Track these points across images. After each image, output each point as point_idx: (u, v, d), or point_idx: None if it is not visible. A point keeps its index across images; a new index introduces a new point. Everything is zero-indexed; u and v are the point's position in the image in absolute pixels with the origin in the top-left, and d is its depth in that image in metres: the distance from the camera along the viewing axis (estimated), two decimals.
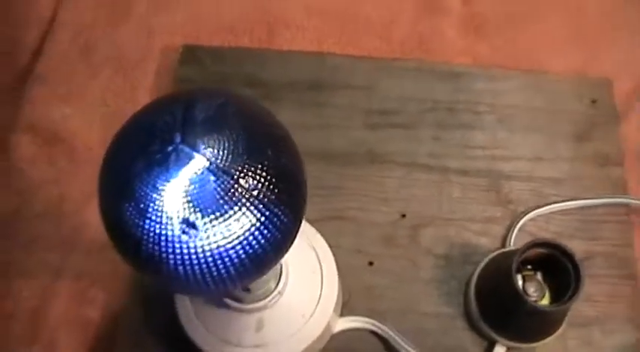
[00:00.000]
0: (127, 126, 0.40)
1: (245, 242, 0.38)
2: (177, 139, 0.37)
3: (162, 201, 0.36)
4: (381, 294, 0.65)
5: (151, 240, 0.37)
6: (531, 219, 0.68)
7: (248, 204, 0.37)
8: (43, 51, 0.80)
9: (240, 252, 0.38)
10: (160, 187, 0.36)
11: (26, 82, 0.78)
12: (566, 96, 0.74)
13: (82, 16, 0.82)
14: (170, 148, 0.37)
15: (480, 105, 0.73)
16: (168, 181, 0.36)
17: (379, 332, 0.62)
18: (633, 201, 0.69)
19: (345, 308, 0.64)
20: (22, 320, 0.67)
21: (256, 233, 0.38)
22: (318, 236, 0.62)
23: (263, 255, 0.39)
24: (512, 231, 0.67)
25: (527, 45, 0.79)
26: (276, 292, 0.56)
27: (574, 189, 0.70)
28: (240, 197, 0.37)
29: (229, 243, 0.37)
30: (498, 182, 0.70)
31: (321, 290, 0.59)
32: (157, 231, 0.37)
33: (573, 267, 0.57)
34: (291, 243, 0.42)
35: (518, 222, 0.67)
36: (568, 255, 0.57)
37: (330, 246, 0.61)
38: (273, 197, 0.38)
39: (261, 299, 0.55)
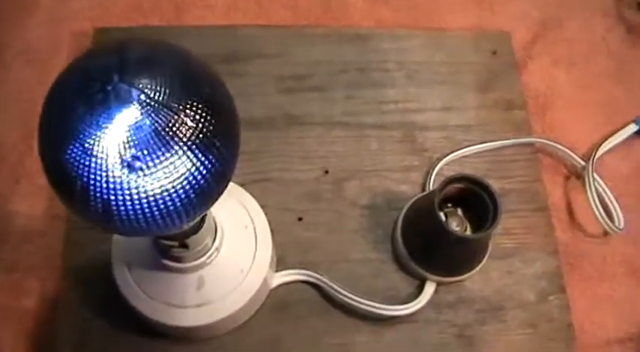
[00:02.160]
0: (65, 73, 0.41)
1: (190, 176, 0.39)
2: (116, 78, 0.38)
3: (106, 139, 0.37)
4: (312, 247, 0.67)
5: (98, 178, 0.38)
6: (446, 164, 0.71)
7: (191, 137, 0.39)
8: None
9: (186, 185, 0.39)
10: (104, 126, 0.37)
11: None
12: (467, 50, 0.79)
13: None
14: (109, 87, 0.38)
15: (388, 63, 0.77)
16: (111, 119, 0.37)
17: (314, 281, 0.65)
18: (538, 140, 0.74)
19: (280, 263, 0.66)
20: None
21: (200, 166, 0.39)
22: (247, 194, 0.64)
23: (207, 187, 0.40)
24: (430, 176, 0.70)
25: (426, 6, 0.83)
26: (213, 248, 0.57)
27: (483, 133, 0.74)
28: (182, 131, 0.38)
29: (174, 177, 0.39)
30: (413, 133, 0.73)
31: (255, 245, 0.61)
32: (104, 169, 0.38)
33: (490, 197, 0.61)
34: (231, 174, 0.44)
35: (434, 168, 0.70)
36: (483, 186, 0.61)
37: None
38: (212, 129, 0.40)
39: (199, 257, 0.56)
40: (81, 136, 0.38)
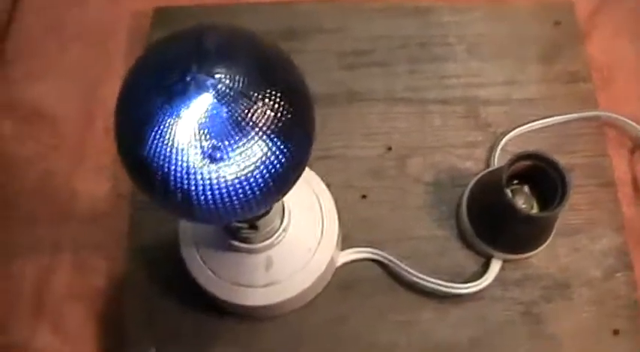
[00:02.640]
0: (140, 63, 0.41)
1: (268, 163, 0.39)
2: (194, 68, 0.38)
3: (186, 130, 0.37)
4: (377, 225, 0.67)
5: (178, 169, 0.38)
6: (510, 140, 0.70)
7: (270, 125, 0.38)
8: (9, 33, 0.80)
9: (265, 173, 0.39)
10: (183, 116, 0.37)
11: None
12: (529, 22, 0.77)
13: None
14: (188, 78, 0.37)
15: (449, 37, 0.76)
16: (191, 110, 0.37)
17: (380, 259, 0.65)
18: (603, 114, 0.72)
19: (345, 241, 0.66)
20: (27, 297, 0.67)
21: (279, 154, 0.39)
22: (312, 173, 0.64)
23: (284, 174, 0.40)
24: (495, 152, 0.69)
25: None
26: (281, 229, 0.57)
27: (547, 107, 0.72)
28: (260, 120, 0.38)
29: (253, 166, 0.39)
30: (476, 108, 0.72)
31: (322, 224, 0.61)
32: (185, 159, 0.38)
33: (558, 175, 0.60)
34: (307, 160, 0.43)
35: (498, 144, 0.70)
36: (552, 164, 0.60)
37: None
38: (290, 116, 0.39)
39: (268, 238, 0.57)
40: (161, 127, 0.38)
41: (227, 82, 0.38)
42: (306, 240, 0.60)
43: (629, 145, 0.73)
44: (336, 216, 0.62)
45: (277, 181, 0.41)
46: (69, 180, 0.71)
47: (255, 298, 0.59)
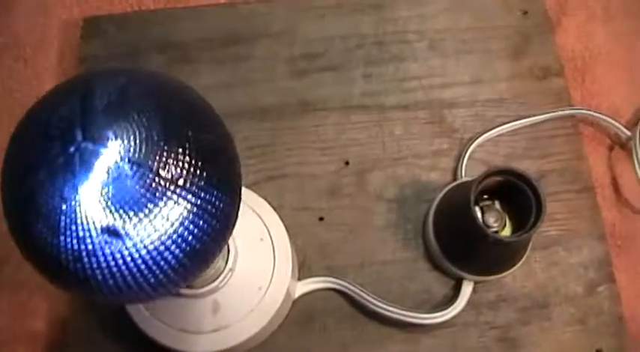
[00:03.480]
0: (21, 127, 0.35)
1: (178, 238, 0.33)
2: (79, 136, 0.32)
3: (74, 211, 0.31)
4: (336, 249, 0.62)
5: (71, 257, 0.32)
6: (479, 146, 0.65)
7: (175, 196, 0.33)
8: None
9: (175, 249, 0.33)
10: (69, 196, 0.31)
11: None
12: (495, 12, 0.71)
13: None
14: (72, 148, 0.31)
15: (408, 34, 0.69)
16: (78, 188, 0.31)
17: (342, 288, 0.59)
18: (579, 111, 0.66)
19: (302, 270, 0.60)
20: None
21: (190, 226, 0.33)
22: (260, 199, 0.58)
23: (202, 247, 0.35)
24: (462, 161, 0.64)
25: None
26: (227, 270, 0.52)
27: (518, 107, 0.67)
28: (165, 190, 0.32)
29: (161, 242, 0.33)
30: (440, 112, 0.66)
31: (274, 258, 0.56)
32: (76, 247, 0.32)
33: (532, 192, 0.54)
34: (233, 227, 0.38)
35: (466, 151, 0.64)
36: (526, 180, 0.54)
37: (275, 208, 0.58)
38: (202, 182, 0.34)
39: (213, 281, 0.52)
40: (44, 211, 0.32)
41: (120, 149, 0.32)
42: (255, 278, 0.55)
43: (607, 143, 0.68)
44: (289, 248, 0.56)
45: (193, 256, 0.35)
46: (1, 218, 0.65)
47: (204, 344, 0.54)
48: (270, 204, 0.58)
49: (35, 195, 0.32)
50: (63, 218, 0.31)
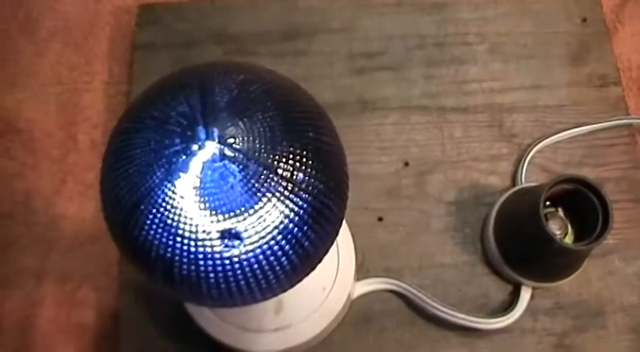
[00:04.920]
0: (129, 124, 0.34)
1: (294, 240, 0.33)
2: (202, 134, 0.31)
3: (194, 213, 0.31)
4: (394, 251, 0.61)
5: (186, 260, 0.31)
6: (538, 151, 0.64)
7: (297, 198, 0.32)
8: None
9: (290, 252, 0.33)
10: (191, 197, 0.30)
11: None
12: (555, 17, 0.70)
13: None
14: (195, 147, 0.31)
15: (469, 36, 0.69)
16: (199, 187, 0.30)
17: (400, 290, 0.59)
18: (636, 121, 0.66)
19: (360, 270, 0.60)
20: (9, 334, 0.60)
21: (307, 229, 0.33)
22: None
23: (314, 251, 0.34)
24: (522, 167, 0.63)
25: None
26: None
27: (576, 114, 0.66)
28: (287, 192, 0.32)
29: (279, 246, 0.32)
30: (500, 116, 0.66)
31: (338, 258, 0.55)
32: (193, 250, 0.31)
33: (600, 201, 0.54)
34: (337, 233, 0.37)
35: (526, 157, 0.63)
36: (595, 190, 0.54)
37: None
38: (322, 185, 0.33)
39: None
40: (162, 212, 0.31)
41: (245, 149, 0.31)
42: (320, 278, 0.54)
43: None
44: (353, 249, 0.56)
45: (305, 258, 0.35)
46: (50, 202, 0.64)
47: (264, 343, 0.53)
48: None
49: (154, 194, 0.31)
50: (182, 219, 0.31)
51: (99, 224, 0.62)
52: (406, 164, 0.64)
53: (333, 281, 0.54)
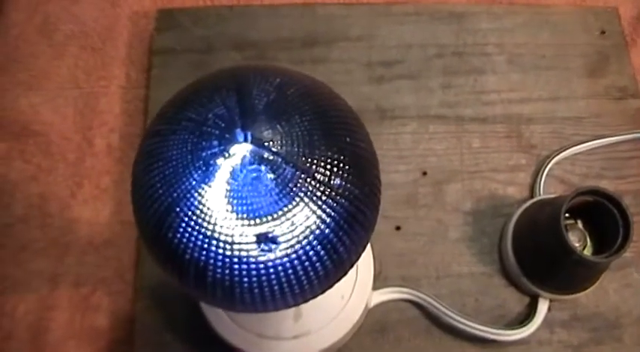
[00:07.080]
0: (165, 125, 0.33)
1: (329, 245, 0.32)
2: (240, 137, 0.31)
3: (230, 216, 0.30)
4: (412, 260, 0.61)
5: (220, 264, 0.31)
6: (556, 163, 0.64)
7: (334, 204, 0.32)
8: None
9: (325, 258, 0.33)
10: (227, 200, 0.30)
11: None
12: (573, 29, 0.70)
13: None
14: (232, 149, 0.30)
15: (488, 46, 0.69)
16: (237, 192, 0.30)
17: (418, 300, 0.58)
18: None
19: (378, 279, 0.59)
20: (23, 338, 0.60)
21: (342, 234, 0.33)
22: None
23: (348, 256, 0.34)
24: (541, 178, 0.63)
25: None
26: None
27: (594, 126, 0.66)
28: (325, 197, 0.31)
29: (314, 251, 0.32)
30: (518, 127, 0.66)
31: (357, 267, 0.55)
32: (228, 254, 0.31)
33: (620, 214, 0.54)
34: (369, 239, 0.37)
35: (545, 168, 0.63)
36: (617, 203, 0.54)
37: None
38: (358, 191, 0.33)
39: None
40: (198, 214, 0.30)
41: (284, 153, 0.31)
42: (339, 286, 0.53)
43: None
44: (371, 257, 0.56)
45: (338, 263, 0.34)
46: (65, 205, 0.64)
47: (282, 351, 0.53)
48: None
49: (188, 196, 0.30)
50: (218, 222, 0.30)
51: (114, 228, 0.63)
52: (424, 173, 0.64)
53: (352, 289, 0.54)
